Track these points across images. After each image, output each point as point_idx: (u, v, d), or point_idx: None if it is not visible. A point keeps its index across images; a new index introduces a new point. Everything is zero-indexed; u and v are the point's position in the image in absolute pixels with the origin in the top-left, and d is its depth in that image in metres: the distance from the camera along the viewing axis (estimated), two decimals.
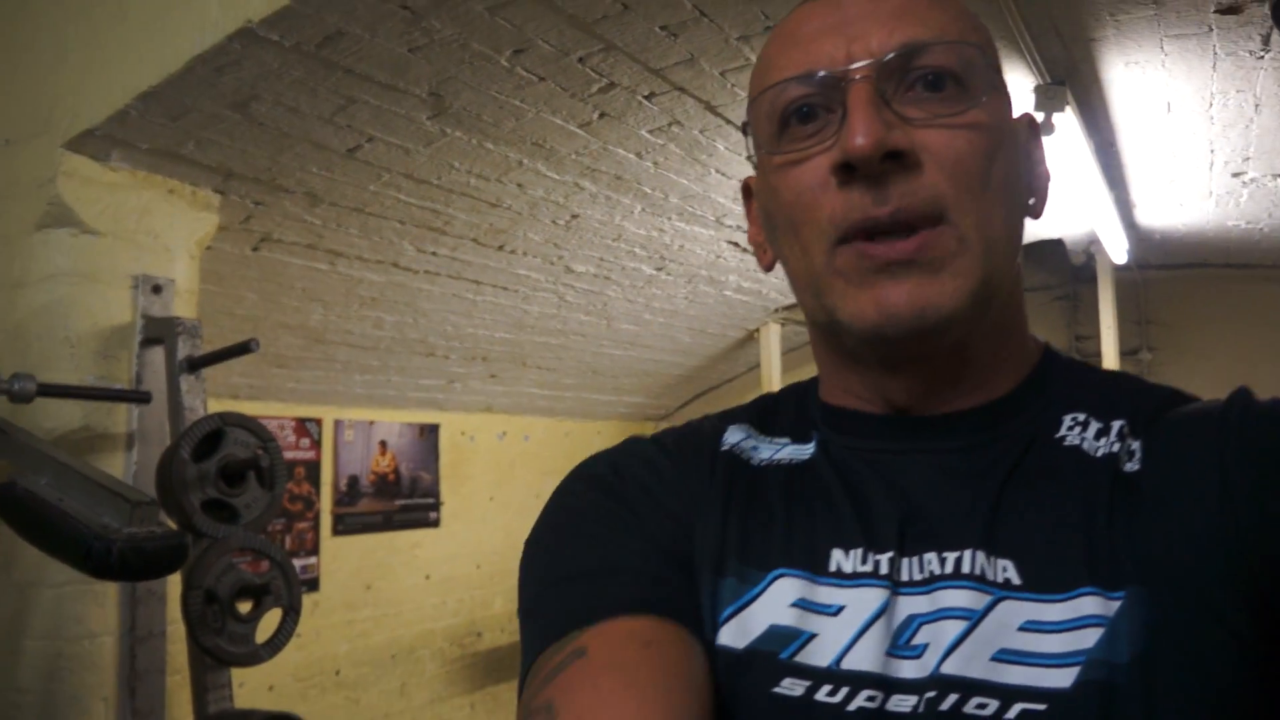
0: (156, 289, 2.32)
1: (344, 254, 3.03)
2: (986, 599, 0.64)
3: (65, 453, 1.88)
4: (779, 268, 0.78)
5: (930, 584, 0.66)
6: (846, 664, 0.64)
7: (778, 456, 0.78)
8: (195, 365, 2.22)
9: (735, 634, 0.69)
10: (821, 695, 0.64)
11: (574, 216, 3.26)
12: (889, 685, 0.63)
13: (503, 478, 5.18)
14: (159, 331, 2.26)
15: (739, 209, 3.51)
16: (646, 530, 0.73)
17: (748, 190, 0.82)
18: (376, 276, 3.23)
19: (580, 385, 5.14)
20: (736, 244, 3.81)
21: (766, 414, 0.83)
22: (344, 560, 4.25)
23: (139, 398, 2.20)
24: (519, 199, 3.05)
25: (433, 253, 3.22)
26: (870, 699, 0.63)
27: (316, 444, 4.14)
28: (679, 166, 3.03)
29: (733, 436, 0.80)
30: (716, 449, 0.79)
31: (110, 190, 2.28)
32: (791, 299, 4.76)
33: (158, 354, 2.27)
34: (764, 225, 0.78)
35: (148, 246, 2.35)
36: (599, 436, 5.75)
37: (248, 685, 2.01)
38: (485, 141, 2.65)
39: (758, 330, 5.11)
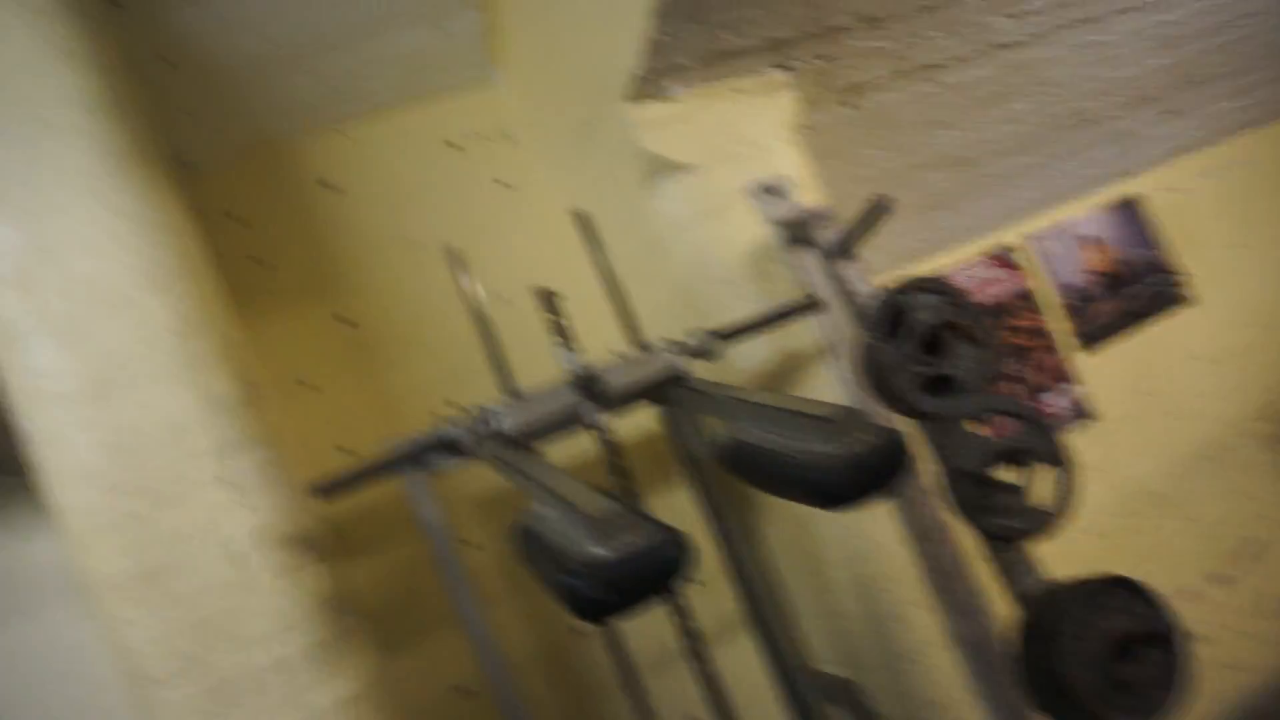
0: (772, 192, 2.17)
1: (937, 63, 2.64)
2: None
3: (765, 391, 1.78)
4: None
5: None
6: None
7: None
8: (843, 249, 2.02)
9: None
10: None
11: None
12: None
13: (1245, 224, 4.32)
14: (796, 232, 2.11)
15: None
16: None
17: None
18: (982, 69, 2.78)
19: None
20: None
21: None
22: (1105, 375, 3.81)
23: (808, 306, 2.05)
24: None
25: (1026, 12, 2.69)
26: None
27: (1018, 269, 3.77)
28: None
29: None
30: None
31: (684, 121, 2.18)
32: None
33: (807, 254, 2.12)
34: None
35: (745, 156, 2.22)
36: None
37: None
38: None
39: None
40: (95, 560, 1.58)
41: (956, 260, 3.55)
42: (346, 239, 2.58)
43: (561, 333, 1.90)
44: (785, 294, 2.11)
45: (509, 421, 1.77)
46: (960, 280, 3.52)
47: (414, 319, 2.54)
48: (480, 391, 1.93)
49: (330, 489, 1.68)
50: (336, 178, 2.62)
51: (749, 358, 2.12)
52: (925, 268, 3.42)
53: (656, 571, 1.25)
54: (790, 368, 2.12)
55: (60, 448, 1.60)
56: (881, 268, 3.26)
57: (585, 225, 2.02)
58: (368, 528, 2.42)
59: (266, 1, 2.20)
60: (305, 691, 1.60)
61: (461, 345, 2.33)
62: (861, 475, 1.41)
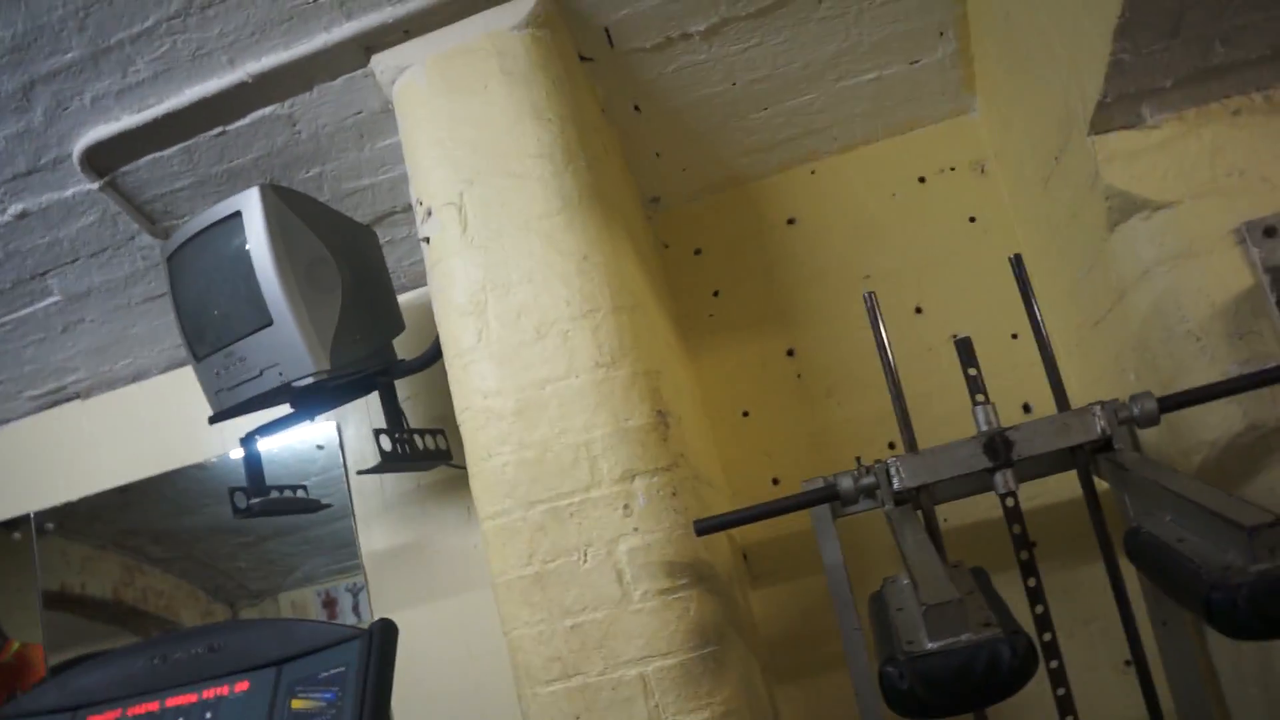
0: (1269, 231, 1.83)
1: None
2: None
3: (1192, 479, 1.50)
4: None
5: None
6: None
7: None
8: None
9: None
10: None
11: None
12: None
13: None
14: None
15: None
16: None
17: None
18: None
19: None
20: None
21: None
22: None
23: None
24: None
25: None
26: None
27: None
28: None
29: None
30: None
31: (1160, 151, 1.91)
32: None
33: None
34: None
35: (1236, 189, 1.89)
36: None
37: None
38: None
39: None
40: (500, 560, 1.76)
41: None
42: (804, 274, 2.61)
43: (977, 386, 1.76)
44: (1269, 355, 1.77)
45: (903, 477, 1.68)
46: None
47: (862, 356, 2.49)
48: (926, 436, 1.85)
49: (712, 527, 1.71)
50: (801, 214, 2.65)
51: (1216, 429, 1.80)
52: None
53: (982, 674, 1.11)
54: (1270, 447, 1.77)
55: (487, 459, 1.80)
56: None
57: (1019, 270, 1.85)
58: (777, 557, 2.43)
59: (733, 50, 2.29)
60: (666, 711, 1.64)
61: (910, 386, 2.27)
62: (1273, 607, 1.13)
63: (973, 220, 2.57)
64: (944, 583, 1.23)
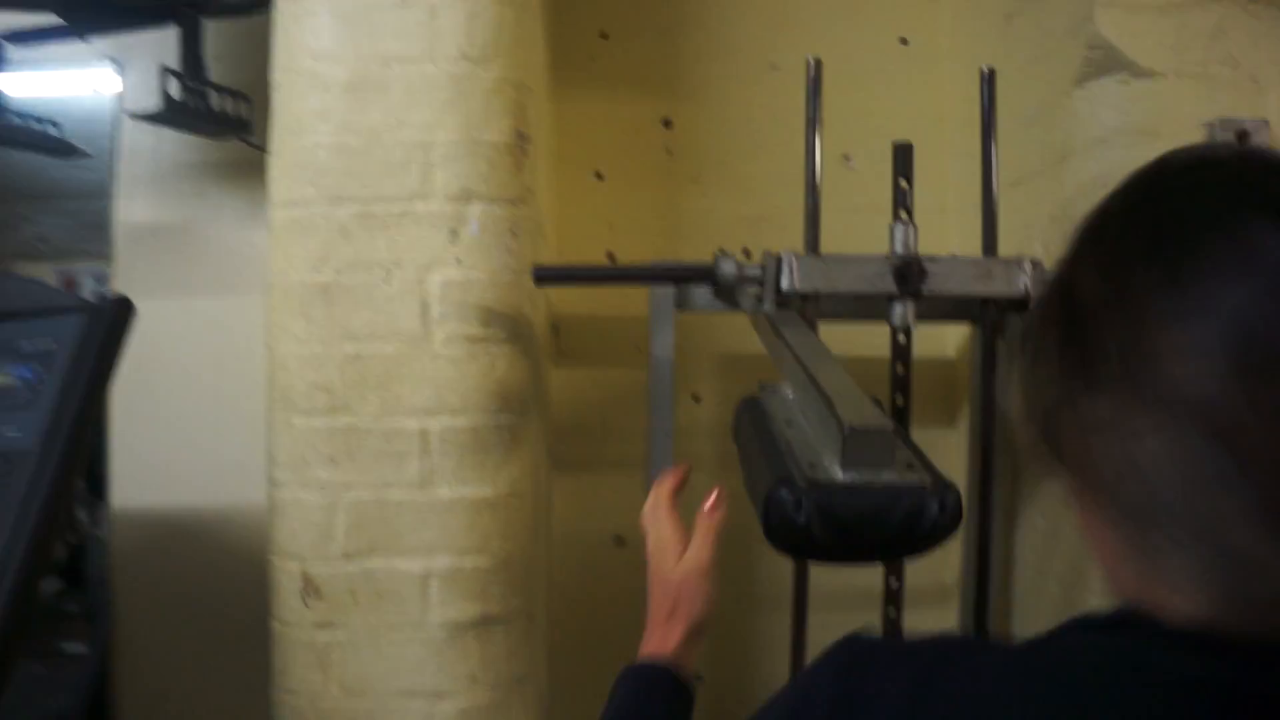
0: (1241, 135, 1.63)
1: None
2: None
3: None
4: None
5: None
6: None
7: None
8: None
9: None
10: None
11: None
12: None
13: None
14: None
15: None
16: None
17: None
18: None
19: None
20: None
21: None
22: None
23: None
24: None
25: None
26: None
27: None
28: None
29: None
30: None
31: (1163, 15, 1.66)
32: None
33: None
34: None
35: (1224, 82, 1.68)
36: None
37: None
38: None
39: None
40: (283, 259, 1.41)
41: None
42: (707, 44, 2.25)
43: (903, 201, 1.50)
44: None
45: (798, 277, 1.41)
46: None
47: (745, 149, 2.19)
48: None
49: (554, 277, 1.40)
50: None
51: None
52: None
53: (898, 524, 0.86)
54: None
55: (298, 135, 1.42)
56: None
57: (989, 88, 1.58)
58: (590, 340, 2.15)
59: None
60: (440, 477, 1.36)
61: (785, 191, 1.95)
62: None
63: (904, 42, 2.27)
64: (869, 405, 0.96)
